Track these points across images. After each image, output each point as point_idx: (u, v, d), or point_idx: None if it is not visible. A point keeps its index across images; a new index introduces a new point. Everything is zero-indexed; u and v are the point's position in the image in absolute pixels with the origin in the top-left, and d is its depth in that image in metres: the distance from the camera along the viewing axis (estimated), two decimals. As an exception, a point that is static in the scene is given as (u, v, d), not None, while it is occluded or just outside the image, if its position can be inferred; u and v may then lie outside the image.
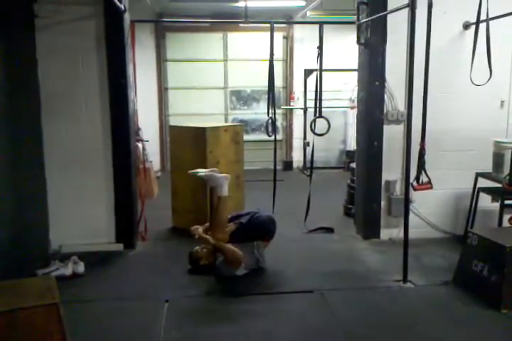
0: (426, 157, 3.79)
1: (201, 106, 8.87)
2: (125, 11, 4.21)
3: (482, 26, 3.76)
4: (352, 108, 8.43)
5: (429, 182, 3.80)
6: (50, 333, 2.36)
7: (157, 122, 8.78)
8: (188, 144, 4.99)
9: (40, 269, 3.73)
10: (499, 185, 3.94)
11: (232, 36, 8.87)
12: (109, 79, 4.20)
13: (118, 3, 3.94)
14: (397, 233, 4.50)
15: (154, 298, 3.41)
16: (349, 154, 8.76)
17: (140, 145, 5.00)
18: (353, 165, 5.45)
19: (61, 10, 4.07)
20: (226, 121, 9.06)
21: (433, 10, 3.56)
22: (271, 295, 3.49)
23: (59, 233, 4.27)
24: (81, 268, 3.82)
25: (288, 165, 9.10)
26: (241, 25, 7.79)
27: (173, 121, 8.46)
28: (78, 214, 4.32)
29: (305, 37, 8.55)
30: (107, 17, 4.14)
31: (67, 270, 3.75)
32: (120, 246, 4.40)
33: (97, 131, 4.27)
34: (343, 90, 8.76)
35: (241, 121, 8.87)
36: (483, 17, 3.74)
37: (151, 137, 6.73)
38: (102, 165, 4.31)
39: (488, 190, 4.28)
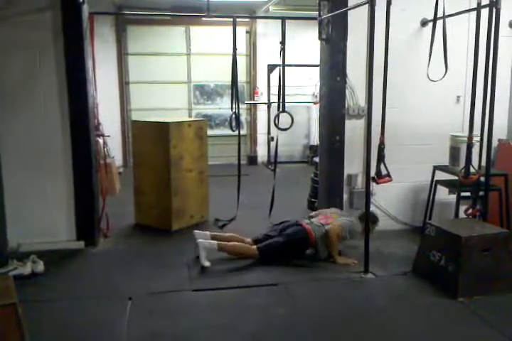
0: (386, 151, 3.91)
1: (164, 101, 8.75)
2: (83, 2, 4.10)
3: (439, 23, 3.86)
4: (315, 103, 8.52)
5: (389, 174, 3.93)
6: (8, 334, 2.30)
7: (119, 117, 8.61)
8: (151, 139, 4.92)
9: (-3, 269, 3.62)
10: (456, 178, 4.07)
11: (195, 30, 8.77)
12: (67, 73, 4.08)
13: (75, -6, 3.84)
14: (359, 225, 4.59)
15: (117, 296, 3.36)
16: (312, 148, 8.86)
17: (101, 140, 4.90)
18: (316, 159, 5.52)
19: (16, 1, 3.93)
20: (190, 115, 8.98)
21: (392, 7, 3.65)
22: (236, 289, 3.50)
23: (17, 231, 4.12)
24: (40, 267, 3.72)
25: (252, 159, 9.12)
26: (203, 19, 7.70)
27: (136, 116, 8.31)
28: (37, 212, 4.20)
29: (268, 32, 8.55)
30: (65, 9, 4.01)
31: (26, 269, 3.65)
32: (81, 244, 4.30)
33: (56, 126, 4.15)
34: (306, 85, 8.83)
35: (205, 115, 8.82)
36: (440, 14, 3.85)
37: (112, 132, 6.57)
38: (61, 162, 4.20)
39: (445, 183, 4.42)
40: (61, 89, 4.11)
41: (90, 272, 3.83)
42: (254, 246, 3.98)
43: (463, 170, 3.81)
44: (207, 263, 3.84)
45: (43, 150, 4.18)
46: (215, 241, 3.95)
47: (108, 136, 5.39)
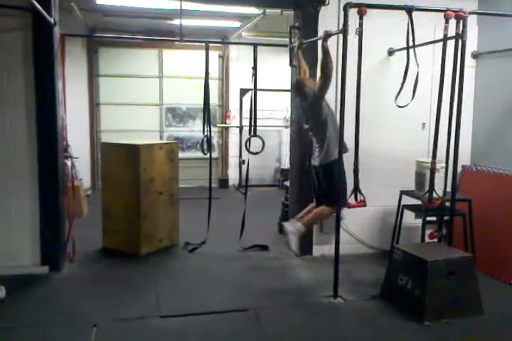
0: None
1: (135, 123, 8.72)
2: (55, 24, 4.09)
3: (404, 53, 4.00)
4: (286, 127, 8.63)
5: (364, 200, 3.91)
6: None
7: (88, 138, 8.52)
8: (121, 162, 4.87)
9: (-46, 295, 3.47)
10: (421, 203, 4.15)
11: (168, 53, 8.85)
12: (36, 94, 4.03)
13: (47, 16, 3.82)
14: (329, 249, 4.61)
15: (81, 323, 3.25)
16: (283, 172, 8.92)
17: (69, 162, 4.82)
18: (287, 183, 5.56)
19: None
20: (161, 138, 8.96)
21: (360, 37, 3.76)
22: (205, 315, 3.44)
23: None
24: (1, 293, 3.57)
25: (224, 183, 9.11)
26: (177, 42, 7.79)
27: (106, 138, 8.23)
28: (0, 235, 4.06)
29: (241, 56, 8.70)
30: (36, 30, 3.98)
31: (-14, 296, 3.51)
32: (45, 269, 4.17)
33: (22, 148, 4.06)
34: (278, 109, 8.95)
35: (176, 138, 8.81)
36: (407, 44, 3.98)
37: (81, 154, 6.51)
38: (27, 184, 4.09)
39: (411, 207, 4.51)
40: (29, 111, 4.04)
41: (54, 298, 3.71)
42: (322, 206, 4.25)
43: (426, 195, 3.89)
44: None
45: (8, 172, 4.07)
46: (299, 223, 4.34)
47: (76, 157, 5.32)
